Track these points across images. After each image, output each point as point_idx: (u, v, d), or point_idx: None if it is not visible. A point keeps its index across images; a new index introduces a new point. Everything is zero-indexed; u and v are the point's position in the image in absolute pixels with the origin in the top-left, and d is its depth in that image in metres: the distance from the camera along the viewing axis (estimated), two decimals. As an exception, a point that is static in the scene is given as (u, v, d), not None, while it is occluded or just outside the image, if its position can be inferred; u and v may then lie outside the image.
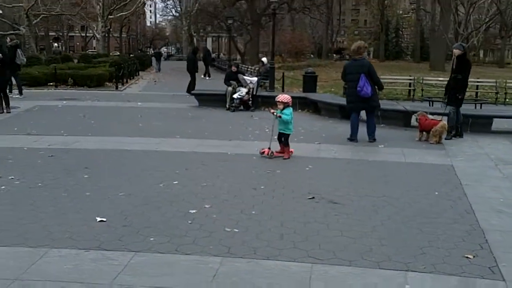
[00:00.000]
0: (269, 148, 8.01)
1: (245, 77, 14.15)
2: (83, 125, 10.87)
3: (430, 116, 9.92)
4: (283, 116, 7.97)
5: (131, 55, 66.60)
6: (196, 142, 9.19)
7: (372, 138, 9.59)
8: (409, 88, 19.53)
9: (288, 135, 8.14)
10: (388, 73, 26.90)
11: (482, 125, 11.01)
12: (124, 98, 16.91)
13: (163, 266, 4.02)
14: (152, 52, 64.62)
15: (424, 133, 9.88)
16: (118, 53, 67.08)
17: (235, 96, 13.83)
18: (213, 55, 52.86)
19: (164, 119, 12.12)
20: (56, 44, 44.25)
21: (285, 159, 7.96)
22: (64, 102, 14.99)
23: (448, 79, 10.62)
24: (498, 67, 54.50)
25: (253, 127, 10.97)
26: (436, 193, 6.26)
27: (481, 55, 79.61)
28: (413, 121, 10.75)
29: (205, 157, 7.96)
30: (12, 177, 6.52)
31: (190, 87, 18.10)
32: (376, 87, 9.46)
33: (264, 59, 19.77)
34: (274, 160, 7.87)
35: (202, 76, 28.42)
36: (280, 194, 6.05)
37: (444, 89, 11.03)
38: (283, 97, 8.21)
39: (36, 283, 3.68)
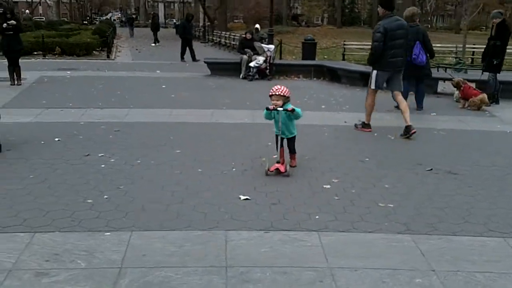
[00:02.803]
0: (279, 162, 5.52)
1: (262, 45, 13.74)
2: (115, 96, 10.31)
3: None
4: (296, 110, 5.47)
5: (84, 22, 64.36)
6: (248, 113, 8.89)
7: (420, 106, 9.58)
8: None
9: (295, 137, 5.83)
10: (361, 40, 26.12)
11: (511, 91, 11.21)
12: (125, 68, 16.16)
13: (360, 246, 3.82)
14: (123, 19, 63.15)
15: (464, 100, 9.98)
16: (67, 20, 64.56)
17: (251, 64, 13.46)
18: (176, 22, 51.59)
19: (188, 89, 11.65)
20: (27, 11, 41.95)
21: (292, 166, 5.71)
22: (68, 72, 14.20)
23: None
24: (454, 33, 55.59)
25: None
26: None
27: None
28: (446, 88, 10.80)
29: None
30: (102, 154, 6.10)
31: (193, 54, 17.71)
32: (428, 55, 9.37)
33: (258, 26, 19.30)
34: (351, 130, 7.74)
35: (152, 44, 28.61)
36: (392, 166, 5.92)
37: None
38: (284, 90, 5.52)
39: (253, 269, 3.42)
